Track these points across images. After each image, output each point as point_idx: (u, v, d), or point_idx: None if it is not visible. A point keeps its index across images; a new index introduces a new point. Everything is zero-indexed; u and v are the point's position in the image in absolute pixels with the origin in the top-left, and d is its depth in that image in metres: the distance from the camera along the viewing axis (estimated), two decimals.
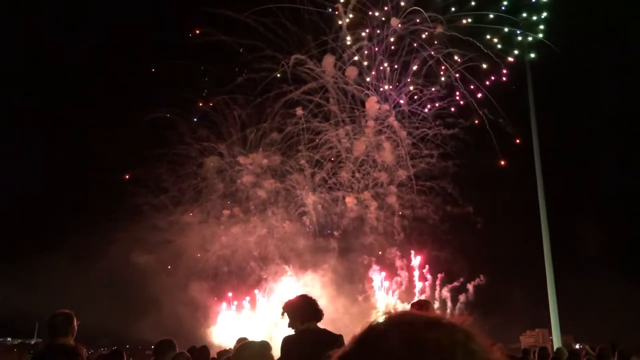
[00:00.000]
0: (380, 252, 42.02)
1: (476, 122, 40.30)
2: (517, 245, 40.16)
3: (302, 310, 5.97)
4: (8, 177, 43.74)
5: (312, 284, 39.99)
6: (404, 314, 1.25)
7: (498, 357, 1.22)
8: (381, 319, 1.24)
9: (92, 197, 45.06)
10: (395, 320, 1.21)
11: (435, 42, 40.88)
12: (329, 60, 42.41)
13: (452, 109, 41.29)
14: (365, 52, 42.56)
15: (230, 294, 43.72)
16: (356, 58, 42.50)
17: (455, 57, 40.70)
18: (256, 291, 43.27)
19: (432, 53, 40.95)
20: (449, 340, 1.13)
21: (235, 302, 43.73)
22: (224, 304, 43.66)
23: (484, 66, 39.73)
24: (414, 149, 42.56)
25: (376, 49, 42.17)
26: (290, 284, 40.98)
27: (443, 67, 41.11)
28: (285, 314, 6.02)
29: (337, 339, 5.53)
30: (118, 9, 46.47)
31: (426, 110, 41.92)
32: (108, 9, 46.43)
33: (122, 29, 45.30)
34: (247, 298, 43.52)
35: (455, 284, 40.77)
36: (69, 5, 45.24)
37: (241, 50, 41.82)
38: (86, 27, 46.83)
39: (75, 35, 46.06)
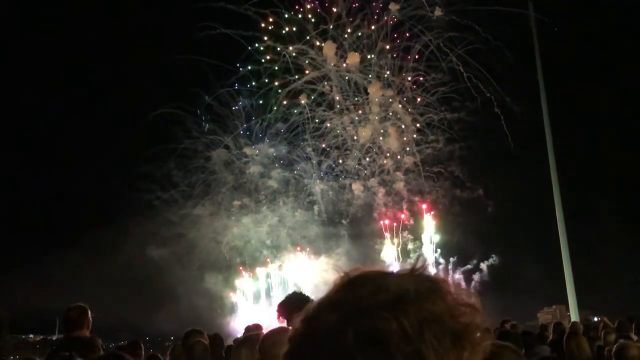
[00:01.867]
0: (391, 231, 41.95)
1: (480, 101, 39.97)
2: (530, 223, 40.02)
3: (292, 309, 5.97)
4: (25, 175, 44.29)
5: (326, 268, 40.19)
6: (353, 289, 1.07)
7: (461, 311, 1.06)
8: (325, 303, 1.08)
9: (105, 193, 45.45)
10: (347, 308, 1.03)
11: (435, 26, 40.69)
12: (330, 48, 42.24)
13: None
14: (365, 39, 42.48)
15: (240, 268, 44.20)
16: (357, 41, 42.38)
17: (456, 42, 40.51)
18: (268, 271, 43.60)
19: (432, 39, 40.69)
20: (415, 320, 0.99)
21: (250, 274, 44.13)
22: (241, 277, 44.09)
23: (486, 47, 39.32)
24: (420, 135, 42.49)
25: (382, 25, 41.95)
26: (305, 269, 41.24)
27: (445, 52, 40.84)
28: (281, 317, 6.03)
29: None
30: (123, 5, 46.62)
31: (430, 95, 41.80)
32: (114, 6, 46.60)
33: (127, 25, 45.45)
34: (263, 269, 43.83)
35: (468, 266, 40.77)
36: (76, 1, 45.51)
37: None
38: (94, 24, 46.95)
39: (82, 31, 46.15)
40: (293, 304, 5.80)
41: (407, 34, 41.77)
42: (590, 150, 41.38)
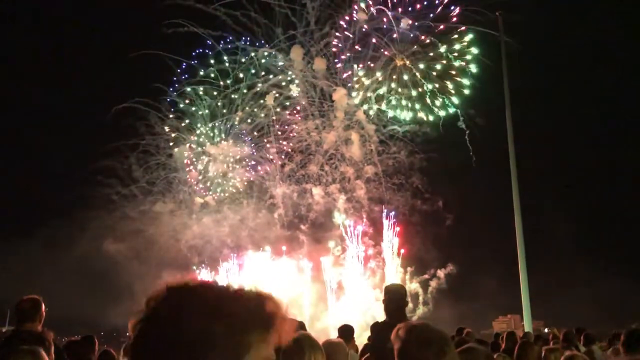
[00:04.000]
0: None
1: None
2: (489, 234, 40.75)
3: None
4: None
5: (288, 269, 40.42)
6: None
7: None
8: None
9: (63, 185, 44.64)
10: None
11: (401, 39, 40.97)
12: (297, 52, 42.34)
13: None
14: (334, 47, 42.58)
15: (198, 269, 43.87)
16: (324, 49, 42.50)
17: (420, 56, 40.83)
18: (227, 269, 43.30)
19: (397, 53, 40.93)
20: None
21: (211, 272, 43.81)
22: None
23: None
24: (382, 146, 42.73)
25: (353, 32, 42.05)
26: (266, 269, 41.15)
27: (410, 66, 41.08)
28: None
29: None
30: None
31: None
32: None
33: (92, 18, 44.82)
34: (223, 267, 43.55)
35: (426, 276, 41.06)
36: None
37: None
38: (56, 16, 46.04)
39: (43, 24, 45.29)
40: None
41: (372, 45, 42.02)
42: (551, 166, 42.45)
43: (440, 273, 40.37)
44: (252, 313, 1.33)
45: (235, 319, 1.29)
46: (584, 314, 35.18)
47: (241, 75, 42.98)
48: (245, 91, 43.07)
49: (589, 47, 41.24)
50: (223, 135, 43.86)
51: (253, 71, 42.93)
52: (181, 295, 1.33)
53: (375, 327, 7.07)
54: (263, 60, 42.65)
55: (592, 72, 40.93)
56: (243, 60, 42.66)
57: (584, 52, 41.18)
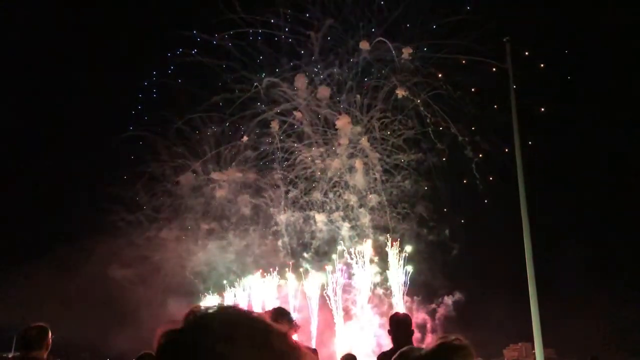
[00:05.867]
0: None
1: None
2: (498, 260, 40.25)
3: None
4: None
5: (294, 293, 40.28)
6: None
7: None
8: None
9: (69, 212, 44.68)
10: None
11: (403, 68, 41.36)
12: (301, 80, 42.76)
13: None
14: (336, 76, 43.03)
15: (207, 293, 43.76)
16: (327, 79, 43.02)
17: (422, 87, 41.15)
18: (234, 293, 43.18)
19: (398, 84, 41.31)
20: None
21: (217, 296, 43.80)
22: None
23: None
24: (386, 175, 42.77)
25: (352, 66, 42.46)
26: (272, 293, 41.03)
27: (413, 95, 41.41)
28: None
29: None
30: (97, 26, 46.71)
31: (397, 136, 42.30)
32: (88, 26, 46.62)
33: (96, 46, 45.47)
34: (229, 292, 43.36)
35: (434, 305, 40.72)
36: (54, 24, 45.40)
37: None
38: (66, 46, 46.64)
39: (54, 52, 45.89)
40: (274, 317, 5.76)
41: (371, 78, 42.45)
42: (563, 189, 42.07)
43: (448, 300, 40.05)
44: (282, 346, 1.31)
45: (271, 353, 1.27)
46: (597, 341, 34.61)
47: (246, 103, 43.50)
48: (250, 118, 43.52)
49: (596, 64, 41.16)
50: (228, 162, 44.17)
51: (258, 99, 43.44)
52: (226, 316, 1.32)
53: (382, 358, 6.91)
54: (268, 89, 43.17)
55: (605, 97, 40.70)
56: (248, 88, 43.21)
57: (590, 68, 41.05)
